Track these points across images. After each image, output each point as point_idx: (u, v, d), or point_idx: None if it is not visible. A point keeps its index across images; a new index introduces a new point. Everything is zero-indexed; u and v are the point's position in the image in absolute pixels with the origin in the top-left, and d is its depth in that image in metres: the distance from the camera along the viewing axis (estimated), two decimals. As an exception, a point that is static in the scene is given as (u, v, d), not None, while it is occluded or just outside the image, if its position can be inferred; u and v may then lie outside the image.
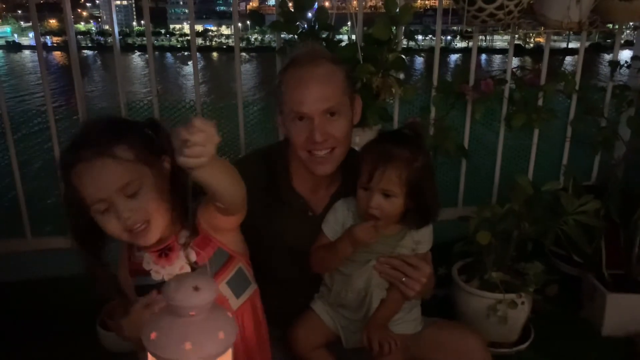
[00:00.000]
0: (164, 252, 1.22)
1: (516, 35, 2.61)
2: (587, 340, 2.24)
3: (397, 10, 2.22)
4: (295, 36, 2.24)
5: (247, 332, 1.30)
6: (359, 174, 1.38)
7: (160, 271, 1.22)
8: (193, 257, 1.21)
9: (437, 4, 2.56)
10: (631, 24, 2.80)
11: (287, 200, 1.56)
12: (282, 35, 2.38)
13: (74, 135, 1.13)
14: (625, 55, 2.79)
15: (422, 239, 1.47)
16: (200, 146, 0.85)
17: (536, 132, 2.76)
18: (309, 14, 2.25)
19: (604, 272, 2.29)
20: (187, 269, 1.20)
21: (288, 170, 1.58)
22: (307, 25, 2.21)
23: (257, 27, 50.04)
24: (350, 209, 1.47)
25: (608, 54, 2.79)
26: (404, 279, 1.41)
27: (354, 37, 2.28)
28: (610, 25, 2.70)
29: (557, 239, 2.16)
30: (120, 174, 1.08)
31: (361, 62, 2.13)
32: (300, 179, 1.57)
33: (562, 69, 2.82)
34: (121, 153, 1.07)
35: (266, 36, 47.11)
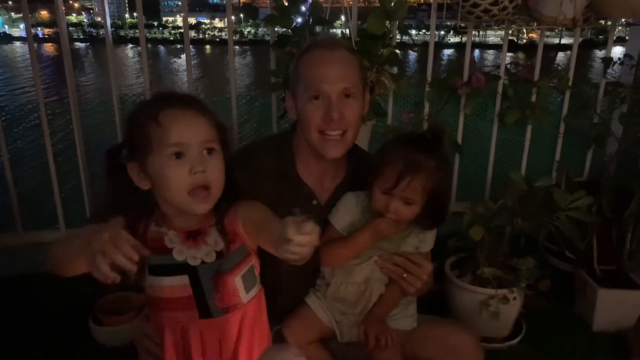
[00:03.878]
0: (194, 235, 1.22)
1: (510, 31, 2.62)
2: (578, 335, 2.26)
3: (392, 4, 2.21)
4: (290, 30, 2.22)
5: (251, 328, 1.31)
6: (378, 175, 1.38)
7: (184, 252, 1.21)
8: (220, 246, 1.23)
9: (431, -2, 2.56)
10: (623, 20, 2.81)
11: (293, 188, 1.57)
12: (276, 29, 2.37)
13: (159, 93, 1.22)
14: (617, 51, 2.80)
15: (427, 238, 1.49)
16: (299, 249, 0.91)
17: (529, 128, 2.77)
18: (303, 8, 2.24)
19: (595, 268, 2.31)
20: (213, 256, 1.22)
21: (294, 159, 1.59)
22: (302, 19, 2.20)
23: (250, 20, 49.83)
24: (359, 204, 1.47)
25: (600, 50, 2.80)
26: (405, 275, 1.42)
27: (347, 31, 2.27)
28: (603, 22, 2.70)
29: (549, 234, 2.17)
30: (207, 128, 1.15)
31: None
32: (306, 168, 1.58)
33: (555, 64, 2.82)
34: (207, 113, 1.17)
35: (259, 29, 46.90)
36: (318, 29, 2.21)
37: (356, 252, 1.43)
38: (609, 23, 2.74)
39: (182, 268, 1.21)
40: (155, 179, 1.14)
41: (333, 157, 1.50)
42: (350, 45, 1.59)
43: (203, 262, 1.22)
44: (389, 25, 2.27)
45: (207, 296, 1.23)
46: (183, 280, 1.22)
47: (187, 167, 1.12)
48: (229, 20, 2.61)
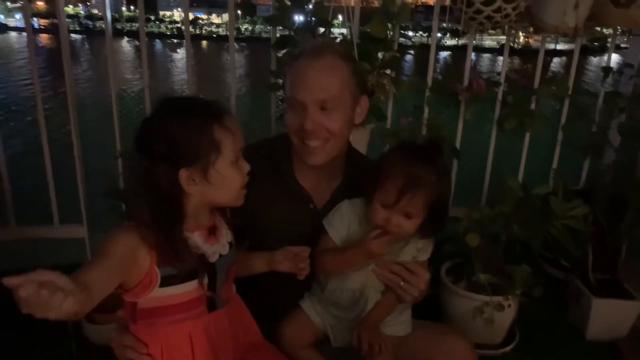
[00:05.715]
0: (213, 230, 1.26)
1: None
2: (571, 343, 2.26)
3: (395, 8, 2.20)
4: (291, 31, 2.21)
5: (241, 319, 1.34)
6: (378, 188, 1.36)
7: (209, 250, 1.24)
8: (229, 236, 1.30)
9: (429, 0, 2.54)
10: (619, 28, 2.80)
11: (290, 191, 1.56)
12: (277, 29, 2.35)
13: (206, 102, 1.22)
14: (613, 59, 2.79)
15: (425, 247, 1.47)
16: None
17: (527, 134, 2.76)
18: (309, 6, 2.21)
19: (590, 277, 2.31)
20: (227, 248, 1.28)
21: (292, 162, 1.57)
22: (304, 20, 2.19)
23: (248, 17, 49.68)
24: (356, 212, 1.45)
25: (594, 56, 2.81)
26: (402, 283, 1.41)
27: (344, 30, 2.26)
28: (602, 29, 2.70)
29: (544, 242, 2.17)
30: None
31: (357, 59, 2.11)
32: (302, 171, 1.56)
33: (550, 70, 2.83)
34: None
35: (257, 26, 46.80)
36: (320, 30, 2.20)
37: (348, 268, 1.42)
38: (608, 32, 2.74)
39: (195, 271, 1.19)
40: (216, 181, 1.17)
41: (314, 165, 1.49)
42: (343, 51, 1.52)
43: (220, 256, 1.25)
44: (391, 29, 2.27)
45: (217, 290, 1.25)
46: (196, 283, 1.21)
47: (244, 168, 1.24)
48: (231, 17, 2.57)
